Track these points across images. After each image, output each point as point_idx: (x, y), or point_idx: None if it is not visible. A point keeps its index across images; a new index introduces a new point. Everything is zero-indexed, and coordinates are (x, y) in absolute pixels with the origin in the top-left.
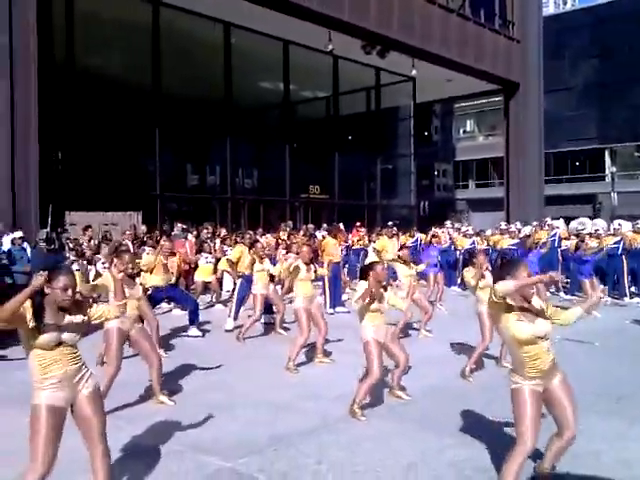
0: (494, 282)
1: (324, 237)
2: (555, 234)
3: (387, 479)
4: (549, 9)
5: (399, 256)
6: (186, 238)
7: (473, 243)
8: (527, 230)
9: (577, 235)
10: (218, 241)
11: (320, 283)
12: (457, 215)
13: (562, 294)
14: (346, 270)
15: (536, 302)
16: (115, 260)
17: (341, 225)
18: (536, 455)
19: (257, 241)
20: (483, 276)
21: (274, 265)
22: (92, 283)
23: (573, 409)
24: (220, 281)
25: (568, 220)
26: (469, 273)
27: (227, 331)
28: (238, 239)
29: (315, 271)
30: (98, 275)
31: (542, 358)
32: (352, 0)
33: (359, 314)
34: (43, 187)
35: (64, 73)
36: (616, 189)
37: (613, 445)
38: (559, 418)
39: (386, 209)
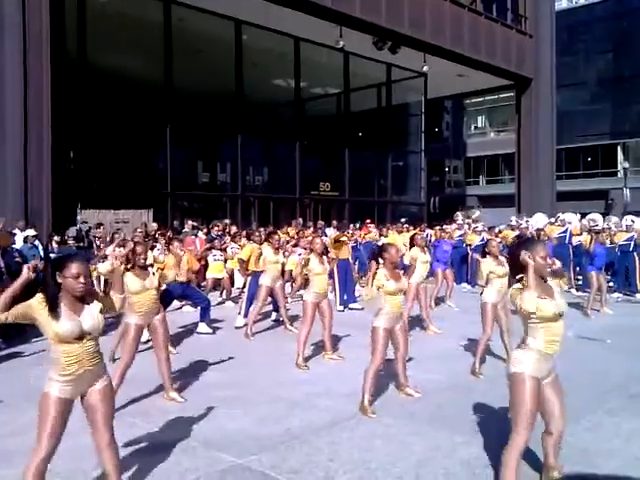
0: (510, 260)
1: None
2: (566, 230)
3: (398, 476)
4: (562, 3)
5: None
6: (196, 236)
7: (483, 239)
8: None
9: (589, 231)
10: (228, 239)
11: (331, 280)
12: (469, 210)
13: (573, 291)
14: (356, 266)
15: (551, 282)
16: (116, 249)
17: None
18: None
19: (275, 233)
20: (501, 263)
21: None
22: (110, 267)
23: (561, 406)
24: (231, 278)
25: (582, 215)
26: (485, 264)
27: (237, 328)
28: (250, 235)
29: (329, 262)
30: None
31: (558, 335)
32: None
33: (376, 302)
34: (55, 185)
35: (76, 71)
36: (628, 185)
37: (625, 443)
38: (547, 413)
39: (396, 206)
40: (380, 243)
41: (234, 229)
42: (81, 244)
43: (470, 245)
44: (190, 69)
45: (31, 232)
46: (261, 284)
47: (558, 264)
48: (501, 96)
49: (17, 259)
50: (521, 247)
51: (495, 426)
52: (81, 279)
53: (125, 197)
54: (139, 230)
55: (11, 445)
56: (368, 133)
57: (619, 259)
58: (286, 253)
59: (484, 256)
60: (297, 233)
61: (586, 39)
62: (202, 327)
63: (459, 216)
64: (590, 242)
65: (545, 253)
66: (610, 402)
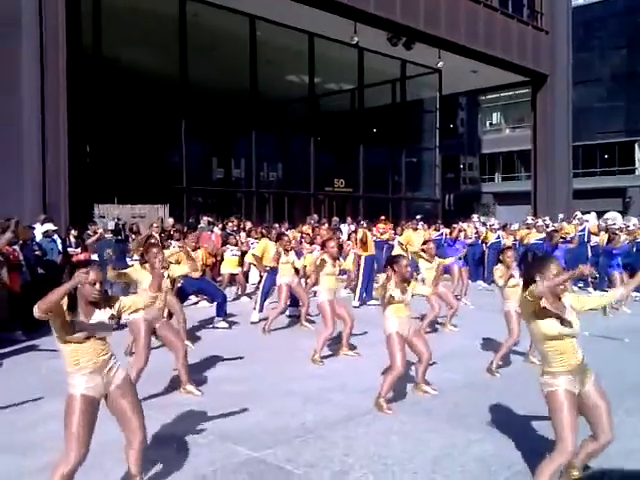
0: (524, 280)
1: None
2: (584, 229)
3: (414, 471)
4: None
5: (423, 250)
6: (212, 231)
7: (498, 237)
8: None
9: (607, 230)
10: (243, 234)
11: (344, 277)
12: (485, 209)
13: (591, 289)
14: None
15: (566, 299)
16: (151, 252)
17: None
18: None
19: (284, 234)
20: (512, 275)
21: (299, 259)
22: (118, 271)
23: (609, 413)
24: (247, 274)
25: (599, 214)
26: (498, 272)
27: (253, 323)
28: (264, 232)
29: (340, 265)
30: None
31: (568, 354)
32: None
33: (382, 306)
34: (72, 180)
35: (92, 66)
36: None
37: None
38: (595, 422)
39: (411, 202)
40: (395, 242)
41: (249, 225)
42: (119, 237)
43: (486, 243)
44: (205, 65)
45: (50, 226)
46: (280, 284)
47: (587, 271)
48: (516, 92)
49: (37, 252)
50: (534, 270)
51: (511, 424)
52: (97, 286)
53: (141, 192)
54: (155, 225)
55: (33, 436)
56: (382, 129)
57: (636, 258)
58: (303, 251)
59: (497, 263)
60: (312, 230)
61: (601, 35)
62: (219, 322)
63: (474, 218)
64: (608, 241)
65: (558, 270)
66: (628, 401)
